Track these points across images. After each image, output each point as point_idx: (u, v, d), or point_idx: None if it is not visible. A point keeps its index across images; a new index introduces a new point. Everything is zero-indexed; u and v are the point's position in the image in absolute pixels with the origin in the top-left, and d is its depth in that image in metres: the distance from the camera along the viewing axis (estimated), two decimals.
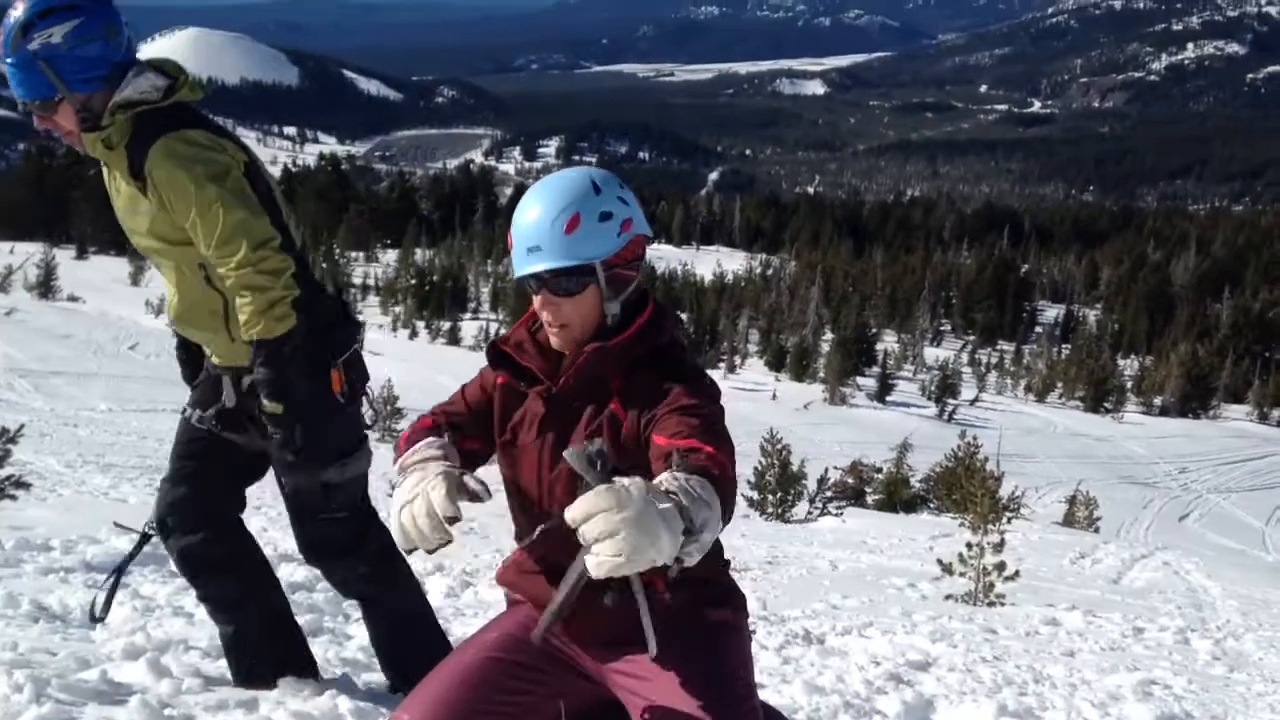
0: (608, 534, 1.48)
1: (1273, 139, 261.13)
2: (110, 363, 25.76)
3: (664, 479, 1.61)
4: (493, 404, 2.12)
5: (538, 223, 1.92)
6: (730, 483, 1.72)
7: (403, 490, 1.88)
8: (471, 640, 2.11)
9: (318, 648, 3.61)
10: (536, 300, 1.98)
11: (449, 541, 1.84)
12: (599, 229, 1.93)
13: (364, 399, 2.96)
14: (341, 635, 3.95)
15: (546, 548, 1.91)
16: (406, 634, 3.03)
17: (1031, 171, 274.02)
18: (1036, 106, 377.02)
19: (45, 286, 37.82)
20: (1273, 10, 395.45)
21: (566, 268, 1.91)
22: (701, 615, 2.03)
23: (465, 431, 2.12)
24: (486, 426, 2.13)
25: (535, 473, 2.03)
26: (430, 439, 2.01)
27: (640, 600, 1.68)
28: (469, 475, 1.89)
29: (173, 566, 4.64)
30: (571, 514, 1.52)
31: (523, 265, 1.94)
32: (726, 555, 2.15)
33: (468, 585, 5.41)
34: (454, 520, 1.82)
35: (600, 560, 1.48)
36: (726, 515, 1.68)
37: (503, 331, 2.06)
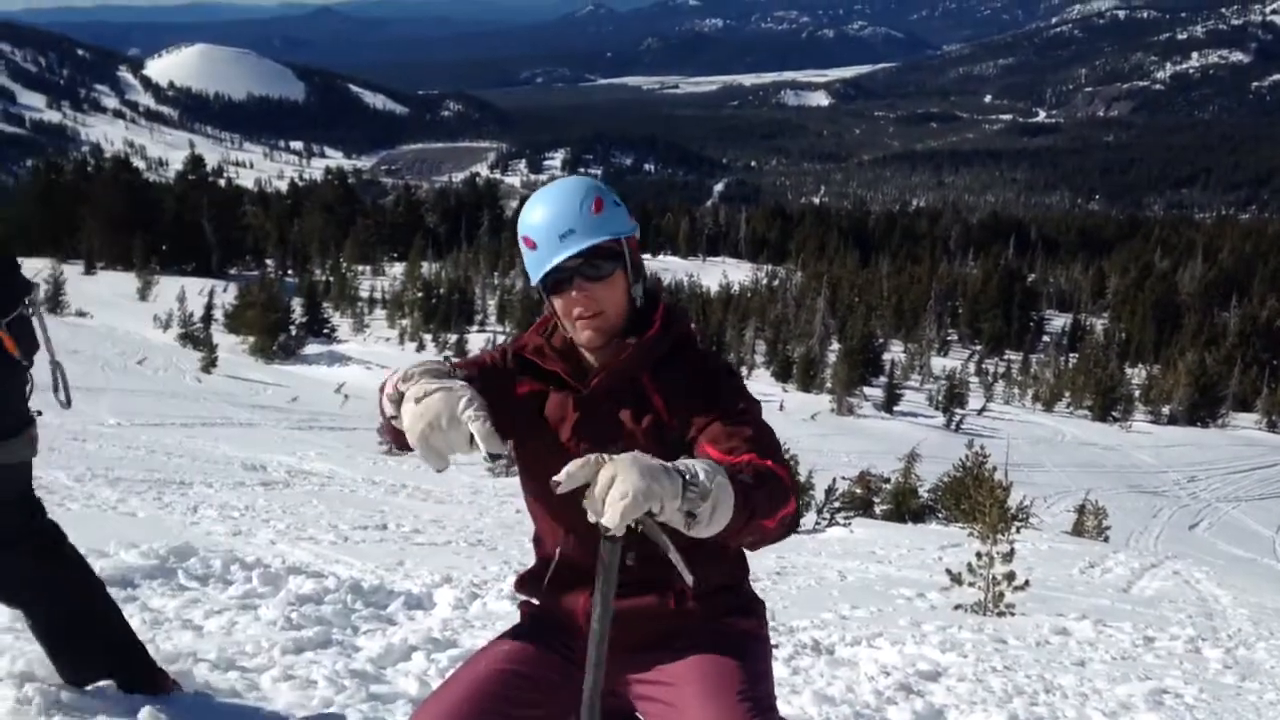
0: (610, 482, 1.52)
1: (1278, 146, 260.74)
2: (118, 377, 25.86)
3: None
4: (507, 367, 2.05)
5: (566, 210, 1.95)
6: (787, 488, 1.78)
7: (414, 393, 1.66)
8: (484, 652, 2.10)
9: (326, 660, 3.61)
10: (559, 302, 1.97)
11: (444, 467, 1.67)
12: (619, 210, 2.00)
13: (59, 381, 2.77)
14: (350, 647, 3.94)
15: (575, 553, 1.97)
16: (75, 636, 2.76)
17: (1037, 181, 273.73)
18: (1041, 116, 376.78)
19: (53, 302, 38.04)
20: (1277, 19, 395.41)
21: (600, 247, 1.94)
22: (727, 624, 2.02)
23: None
24: (498, 385, 1.98)
25: None
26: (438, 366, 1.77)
27: (662, 540, 1.65)
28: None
29: (181, 579, 4.66)
30: (567, 473, 1.54)
31: (557, 253, 1.93)
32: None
33: (475, 597, 5.40)
34: (497, 457, 1.90)
35: (612, 506, 1.51)
36: (770, 510, 1.72)
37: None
